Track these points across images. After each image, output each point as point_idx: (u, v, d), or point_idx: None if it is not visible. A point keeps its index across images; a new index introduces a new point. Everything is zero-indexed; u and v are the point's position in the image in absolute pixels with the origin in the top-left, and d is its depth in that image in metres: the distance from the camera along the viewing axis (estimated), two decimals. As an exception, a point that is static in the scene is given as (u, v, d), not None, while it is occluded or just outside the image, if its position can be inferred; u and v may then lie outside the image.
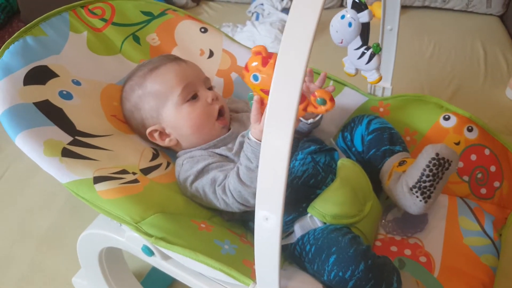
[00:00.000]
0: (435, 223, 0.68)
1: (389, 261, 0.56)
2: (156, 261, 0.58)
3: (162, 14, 0.85)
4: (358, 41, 0.56)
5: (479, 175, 0.69)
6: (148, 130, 0.69)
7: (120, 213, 0.56)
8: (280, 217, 0.38)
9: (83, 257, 0.74)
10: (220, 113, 0.70)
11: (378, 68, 0.57)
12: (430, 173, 0.58)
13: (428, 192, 0.59)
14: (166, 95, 0.68)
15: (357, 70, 0.60)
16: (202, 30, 0.85)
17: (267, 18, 1.48)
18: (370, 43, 0.59)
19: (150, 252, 0.57)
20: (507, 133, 1.08)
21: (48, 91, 0.66)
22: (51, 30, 0.74)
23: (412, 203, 0.59)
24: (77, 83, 0.72)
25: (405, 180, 0.60)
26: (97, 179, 0.58)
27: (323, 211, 0.59)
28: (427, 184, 0.58)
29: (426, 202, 0.59)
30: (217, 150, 0.67)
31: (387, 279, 0.53)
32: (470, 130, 0.69)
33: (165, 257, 0.56)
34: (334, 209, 0.59)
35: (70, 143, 0.62)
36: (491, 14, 1.54)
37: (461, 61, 1.33)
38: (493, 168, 0.69)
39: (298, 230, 0.61)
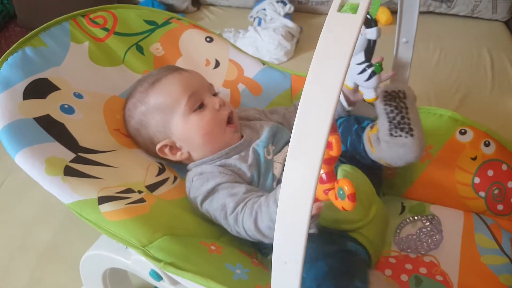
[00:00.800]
0: (450, 241, 0.66)
1: None
2: (164, 286, 0.56)
3: (166, 23, 0.83)
4: (361, 56, 0.54)
5: (496, 191, 0.67)
6: (158, 146, 0.66)
7: (127, 236, 0.54)
8: (300, 262, 0.35)
9: (86, 277, 0.71)
10: (229, 119, 0.67)
11: (376, 88, 0.55)
12: (392, 108, 0.57)
13: (406, 126, 0.56)
14: (172, 107, 0.65)
15: (355, 85, 0.58)
16: (208, 39, 0.83)
17: (269, 24, 1.46)
18: (384, 55, 0.58)
19: (158, 277, 0.54)
20: (517, 143, 1.06)
21: (49, 105, 0.64)
22: (51, 41, 0.71)
23: (402, 146, 0.56)
24: (79, 96, 0.69)
25: (381, 132, 0.58)
26: (102, 200, 0.56)
27: (323, 215, 0.56)
28: (398, 118, 0.57)
29: (412, 135, 0.56)
30: (230, 161, 0.64)
31: None
32: (487, 145, 0.67)
33: (174, 283, 0.54)
34: (338, 215, 0.57)
35: (72, 161, 0.60)
36: (496, 20, 1.53)
37: (468, 68, 1.32)
38: (510, 184, 0.67)
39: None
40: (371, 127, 0.62)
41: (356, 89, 0.63)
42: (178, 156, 0.67)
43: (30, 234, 0.98)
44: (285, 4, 1.51)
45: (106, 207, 0.55)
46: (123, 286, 0.75)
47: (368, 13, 0.53)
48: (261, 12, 1.54)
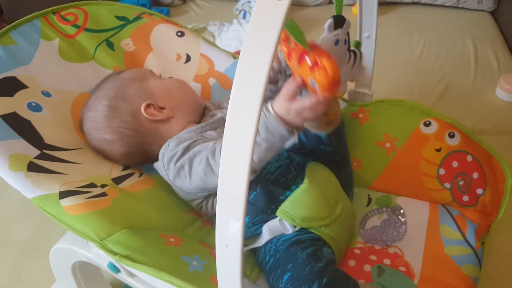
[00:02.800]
0: (415, 232, 0.66)
1: (347, 277, 0.54)
2: (123, 278, 0.56)
3: (138, 18, 0.83)
4: (347, 53, 0.54)
5: (461, 182, 0.67)
6: (143, 106, 0.66)
7: (86, 229, 0.54)
8: (240, 243, 0.37)
9: (56, 270, 0.73)
10: None
11: (345, 82, 0.56)
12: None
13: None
14: (144, 75, 0.70)
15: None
16: (179, 34, 0.83)
17: (254, 18, 1.45)
18: None
19: (116, 270, 0.55)
20: (496, 134, 1.06)
21: (16, 103, 0.65)
22: (21, 39, 0.72)
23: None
24: (47, 94, 0.70)
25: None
26: (63, 194, 0.57)
27: (292, 213, 0.57)
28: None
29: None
30: (205, 134, 0.66)
31: None
32: (451, 136, 0.67)
33: (131, 275, 0.55)
34: (304, 212, 0.57)
35: (37, 157, 0.61)
36: (482, 10, 1.52)
37: (451, 59, 1.31)
38: (475, 175, 0.67)
39: (267, 233, 0.59)
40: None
41: None
42: (165, 113, 0.67)
43: (10, 230, 0.99)
44: (269, -3, 1.50)
45: (66, 202, 0.56)
46: (95, 280, 0.76)
47: (333, 16, 0.54)
48: (247, 5, 1.54)
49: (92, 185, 0.60)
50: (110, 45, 0.80)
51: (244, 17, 1.50)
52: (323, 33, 0.56)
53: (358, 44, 0.54)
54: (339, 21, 0.52)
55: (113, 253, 0.53)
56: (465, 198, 0.68)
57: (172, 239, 0.57)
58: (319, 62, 0.45)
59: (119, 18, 0.82)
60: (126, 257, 0.52)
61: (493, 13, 1.53)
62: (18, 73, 0.68)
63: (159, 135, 0.67)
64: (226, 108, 0.72)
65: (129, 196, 0.62)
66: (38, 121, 0.65)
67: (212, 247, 0.60)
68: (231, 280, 0.40)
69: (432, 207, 0.69)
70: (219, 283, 0.41)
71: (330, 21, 0.53)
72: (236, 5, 1.58)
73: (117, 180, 0.65)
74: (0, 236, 0.98)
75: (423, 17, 1.50)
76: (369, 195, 0.73)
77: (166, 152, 0.62)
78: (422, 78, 1.25)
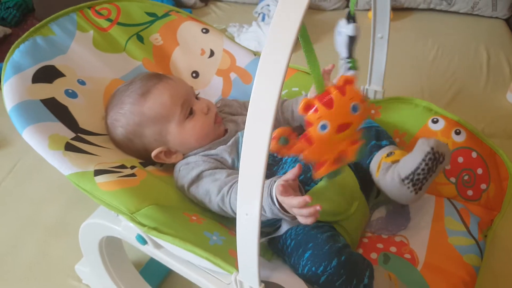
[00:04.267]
0: (421, 223, 0.70)
1: (362, 259, 0.58)
2: (149, 250, 0.61)
3: (166, 15, 0.89)
4: (344, 52, 0.58)
5: (466, 177, 0.71)
6: (154, 153, 0.70)
7: (117, 204, 0.59)
8: (258, 213, 0.41)
9: (84, 246, 0.78)
10: (216, 118, 0.73)
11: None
12: (426, 167, 0.59)
13: (420, 184, 0.59)
14: (167, 117, 0.69)
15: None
16: (204, 30, 0.88)
17: (272, 19, 1.50)
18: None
19: (143, 241, 0.60)
20: (506, 137, 1.09)
21: (55, 90, 0.70)
22: (58, 30, 0.78)
23: (403, 194, 0.60)
24: (82, 82, 0.76)
25: (397, 171, 0.61)
26: (97, 172, 0.62)
27: (311, 205, 0.62)
28: (421, 177, 0.59)
29: (416, 193, 0.60)
30: (213, 151, 0.70)
31: (358, 275, 0.55)
32: (458, 133, 0.71)
33: (157, 246, 0.60)
34: (322, 205, 0.61)
35: (73, 139, 0.66)
36: (496, 18, 1.54)
37: (464, 64, 1.34)
38: (480, 171, 0.70)
39: (285, 223, 0.64)
40: (388, 155, 0.65)
41: None
42: (173, 159, 0.71)
43: (39, 211, 1.05)
44: None
45: (100, 179, 0.61)
46: (118, 257, 0.81)
47: (349, 13, 0.59)
48: (265, 8, 1.59)
49: (123, 166, 0.66)
50: (140, 39, 0.85)
51: (263, 19, 1.55)
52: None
53: (352, 62, 0.58)
54: (348, 18, 0.56)
55: (142, 225, 0.57)
56: (470, 192, 0.71)
57: (194, 217, 0.62)
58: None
59: (149, 14, 0.87)
60: (154, 229, 0.57)
61: (507, 21, 1.55)
62: (56, 62, 0.74)
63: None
64: (238, 114, 0.78)
65: (156, 178, 0.67)
66: (74, 107, 0.71)
67: (230, 228, 0.65)
68: (250, 248, 0.44)
69: (437, 200, 0.73)
70: (238, 250, 0.46)
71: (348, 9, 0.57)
72: (255, 8, 1.63)
73: (144, 164, 0.71)
74: (29, 218, 1.04)
75: (437, 23, 1.54)
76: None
77: (178, 178, 0.68)
78: (435, 81, 1.28)
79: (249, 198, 0.41)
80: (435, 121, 0.73)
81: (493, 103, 1.20)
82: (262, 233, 0.68)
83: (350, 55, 0.59)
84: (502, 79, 1.27)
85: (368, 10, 1.51)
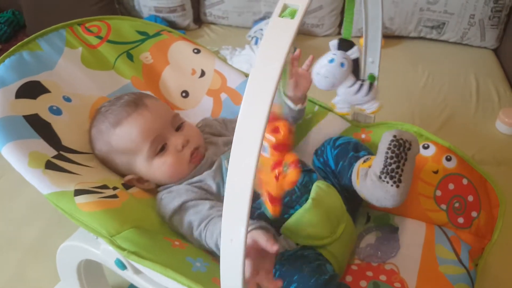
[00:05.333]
0: (411, 250, 0.68)
1: None
2: (128, 275, 0.59)
3: (157, 34, 0.88)
4: (351, 78, 0.57)
5: (457, 204, 0.70)
6: (125, 179, 0.68)
7: (97, 226, 0.57)
8: (243, 239, 0.39)
9: (62, 269, 0.74)
10: (193, 153, 0.69)
11: (377, 97, 0.59)
12: (393, 155, 0.58)
13: (397, 176, 0.58)
14: (134, 152, 0.67)
15: (351, 106, 0.61)
16: (195, 51, 0.88)
17: (265, 42, 1.51)
18: None
19: (122, 266, 0.57)
20: (495, 164, 1.09)
21: (38, 106, 0.69)
22: (46, 45, 0.77)
23: (385, 191, 0.58)
24: (68, 99, 0.74)
25: (372, 171, 0.60)
26: (78, 192, 0.60)
27: (295, 231, 0.60)
28: (394, 166, 0.58)
29: (398, 186, 0.58)
30: (196, 178, 0.68)
31: None
32: (448, 159, 0.70)
33: (137, 272, 0.57)
34: (307, 230, 0.60)
35: (54, 157, 0.64)
36: (485, 48, 1.57)
37: (454, 92, 1.35)
38: (470, 198, 0.69)
39: None
40: (364, 161, 0.65)
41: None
42: (146, 186, 0.69)
43: (18, 231, 1.01)
44: (281, 24, 1.57)
45: (80, 199, 0.59)
46: (98, 282, 0.77)
47: (340, 39, 0.58)
48: (259, 32, 1.60)
49: (105, 187, 0.64)
50: (130, 57, 0.85)
51: (256, 43, 1.56)
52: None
53: (372, 77, 0.58)
54: (344, 45, 0.56)
55: (122, 249, 0.55)
56: (460, 220, 0.70)
57: (177, 242, 0.60)
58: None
59: (140, 32, 0.87)
60: (134, 253, 0.54)
61: (495, 51, 1.58)
62: (42, 78, 0.73)
63: None
64: (219, 135, 0.77)
65: (138, 201, 0.65)
66: (57, 124, 0.69)
67: (214, 255, 0.63)
68: (234, 276, 0.42)
69: (428, 228, 0.71)
70: (222, 277, 0.43)
71: (335, 41, 0.57)
72: (248, 32, 1.65)
73: (127, 185, 0.68)
74: (6, 238, 1.00)
75: (428, 51, 1.56)
76: (368, 213, 0.75)
77: (160, 208, 0.65)
78: (425, 108, 1.29)
79: (235, 223, 0.39)
80: (425, 147, 0.72)
81: (482, 130, 1.20)
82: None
83: (359, 77, 0.59)
84: (491, 107, 1.29)
85: (360, 37, 1.53)
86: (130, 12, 1.74)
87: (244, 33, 1.67)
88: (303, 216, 0.61)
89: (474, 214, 0.69)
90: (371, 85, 0.57)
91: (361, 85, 0.57)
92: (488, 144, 1.15)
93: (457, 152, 0.71)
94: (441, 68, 1.46)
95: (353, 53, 0.55)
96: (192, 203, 0.63)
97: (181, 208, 0.63)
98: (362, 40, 1.52)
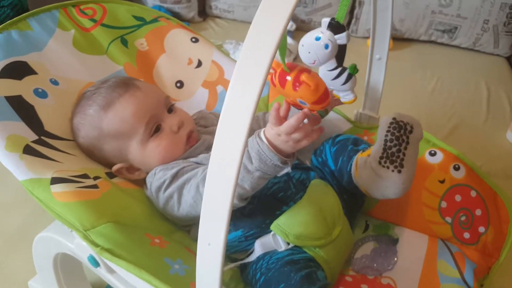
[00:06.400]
0: (411, 265, 0.63)
1: None
2: (102, 273, 0.54)
3: (154, 20, 0.84)
4: (333, 63, 0.53)
5: (463, 218, 0.65)
6: (114, 168, 0.63)
7: (71, 218, 0.53)
8: (222, 243, 0.36)
9: (38, 261, 0.70)
10: (189, 136, 0.65)
11: (353, 89, 0.54)
12: (393, 137, 0.54)
13: (398, 160, 0.53)
14: (128, 135, 0.62)
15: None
16: (193, 40, 0.84)
17: (270, 38, 1.47)
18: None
19: (96, 263, 0.53)
20: (504, 177, 1.04)
21: (23, 87, 0.65)
22: (37, 26, 0.73)
23: (385, 178, 0.53)
24: (55, 82, 0.70)
25: (371, 157, 0.55)
26: (55, 180, 0.56)
27: (286, 229, 0.55)
28: (394, 150, 0.53)
29: (399, 172, 0.52)
30: (193, 159, 0.63)
31: None
32: (456, 168, 0.65)
33: (110, 271, 0.53)
34: (299, 229, 0.55)
35: (34, 142, 0.61)
36: (498, 55, 1.52)
37: (463, 98, 1.30)
38: (478, 212, 0.64)
39: (259, 248, 0.57)
40: (364, 150, 0.61)
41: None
42: (136, 176, 0.64)
43: (1, 219, 0.97)
44: (288, 21, 1.53)
45: (57, 188, 0.55)
46: (75, 277, 0.73)
47: (335, 19, 0.54)
48: (264, 27, 1.56)
49: (85, 176, 0.59)
50: (124, 42, 0.80)
51: (261, 37, 1.52)
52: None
53: (353, 69, 0.53)
54: (334, 27, 0.51)
55: (95, 244, 0.51)
56: (466, 235, 0.65)
57: (157, 240, 0.55)
58: (300, 79, 0.44)
59: (136, 18, 0.83)
60: (107, 250, 0.50)
61: (508, 59, 1.53)
62: (29, 58, 0.69)
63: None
64: (213, 126, 0.73)
65: (120, 192, 0.61)
66: (41, 107, 0.66)
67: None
68: (211, 281, 0.38)
69: (430, 241, 0.66)
70: (197, 282, 0.39)
71: (327, 19, 0.52)
72: (254, 26, 1.61)
73: (112, 174, 0.64)
74: (-12, 225, 0.96)
75: (438, 56, 1.51)
76: (366, 221, 0.70)
77: (154, 181, 0.60)
78: (433, 114, 1.24)
79: (213, 225, 0.36)
80: (432, 154, 0.67)
81: (492, 141, 1.15)
82: (234, 260, 0.62)
83: (341, 64, 0.54)
84: (502, 117, 1.23)
85: (367, 38, 1.48)
86: (134, 0, 1.70)
87: (249, 27, 1.62)
88: (296, 213, 0.57)
89: (481, 229, 0.64)
90: (350, 76, 0.53)
91: (340, 73, 0.53)
92: (498, 156, 1.10)
93: (466, 162, 0.66)
94: (451, 74, 1.41)
95: (340, 38, 0.51)
96: (192, 166, 0.60)
97: (179, 173, 0.58)
98: (369, 41, 1.48)
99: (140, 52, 0.81)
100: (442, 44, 1.55)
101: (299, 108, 0.49)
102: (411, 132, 0.55)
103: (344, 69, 0.55)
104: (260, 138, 0.48)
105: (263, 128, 0.49)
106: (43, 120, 0.64)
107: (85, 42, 0.77)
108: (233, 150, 0.33)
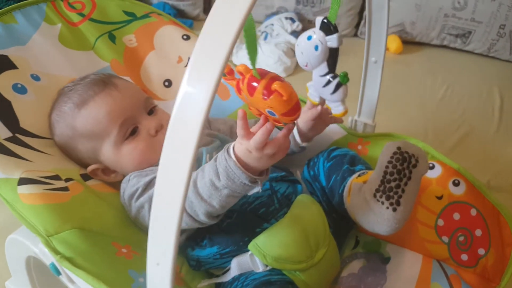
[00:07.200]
0: (402, 286, 0.58)
1: None
2: (64, 282, 0.51)
3: (145, 16, 0.81)
4: (324, 67, 0.48)
5: (461, 238, 0.60)
6: (89, 169, 0.60)
7: (35, 222, 0.50)
8: (171, 263, 0.32)
9: (11, 263, 0.67)
10: None
11: (343, 100, 0.49)
12: (394, 170, 0.48)
13: (395, 196, 0.48)
14: (101, 136, 0.59)
15: (321, 99, 0.52)
16: (185, 37, 0.80)
17: (274, 39, 1.43)
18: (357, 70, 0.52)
19: (57, 271, 0.50)
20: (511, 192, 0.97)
21: (1, 82, 0.63)
22: (22, 19, 0.71)
23: (378, 214, 0.48)
24: (36, 78, 0.68)
25: (367, 187, 0.50)
26: (23, 181, 0.53)
27: (264, 250, 0.51)
28: (392, 184, 0.48)
29: (394, 210, 0.47)
30: None
31: None
32: (456, 184, 0.60)
33: (71, 280, 0.49)
34: (277, 250, 0.51)
35: (7, 139, 0.58)
36: (514, 62, 1.44)
37: (474, 107, 1.23)
38: (478, 232, 0.59)
39: (235, 268, 0.54)
40: (359, 175, 0.56)
41: (312, 120, 0.59)
42: (112, 178, 0.61)
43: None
44: (293, 21, 1.48)
45: (24, 189, 0.52)
46: (51, 280, 0.70)
47: (326, 18, 0.49)
48: (269, 28, 1.52)
49: (56, 177, 0.57)
50: (112, 38, 0.77)
51: (266, 38, 1.48)
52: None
53: (343, 77, 0.47)
54: (326, 27, 0.46)
55: (56, 252, 0.48)
56: (464, 256, 0.60)
57: (124, 250, 0.52)
58: (272, 87, 0.40)
59: (127, 13, 0.80)
60: (67, 259, 0.47)
61: (525, 67, 1.45)
62: (11, 52, 0.67)
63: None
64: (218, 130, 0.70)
65: (93, 195, 0.58)
66: (19, 103, 0.63)
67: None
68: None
69: (425, 261, 0.61)
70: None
71: (320, 18, 0.47)
72: (259, 27, 1.57)
73: (87, 176, 0.61)
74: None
75: (450, 61, 1.44)
76: (357, 236, 0.66)
77: (127, 188, 0.56)
78: (441, 121, 1.17)
79: (161, 245, 0.32)
80: (430, 167, 0.62)
81: (503, 152, 1.08)
82: (210, 275, 0.58)
83: (333, 70, 0.49)
84: (515, 127, 1.16)
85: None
86: (140, -3, 1.68)
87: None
88: (276, 233, 0.52)
89: (481, 251, 0.59)
90: (340, 85, 0.47)
91: (330, 81, 0.47)
92: (508, 169, 1.03)
93: (467, 177, 0.60)
94: (463, 81, 1.34)
95: (331, 40, 0.45)
96: None
97: (153, 182, 0.55)
98: (389, 44, 1.42)
99: (128, 48, 0.78)
100: (454, 49, 1.48)
101: (270, 120, 0.44)
102: (415, 166, 0.49)
103: (334, 77, 0.49)
104: (228, 153, 0.44)
105: (233, 142, 0.45)
106: (19, 116, 0.62)
107: (71, 37, 0.74)
108: (180, 164, 0.29)
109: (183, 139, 0.29)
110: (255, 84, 0.41)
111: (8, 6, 1.76)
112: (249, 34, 0.37)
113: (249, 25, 0.36)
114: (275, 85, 0.39)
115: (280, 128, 0.46)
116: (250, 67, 0.41)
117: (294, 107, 0.41)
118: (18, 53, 0.68)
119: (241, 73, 0.42)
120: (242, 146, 0.44)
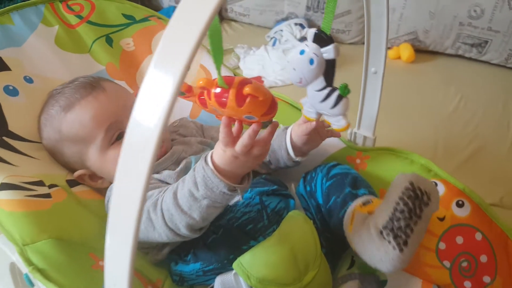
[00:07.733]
0: (398, 313, 0.54)
1: None
2: (38, 295, 0.49)
3: (144, 20, 0.79)
4: (321, 82, 0.45)
5: (465, 264, 0.55)
6: (75, 175, 0.59)
7: (12, 230, 0.49)
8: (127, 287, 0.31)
9: (-4, 268, 0.66)
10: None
11: (345, 114, 0.46)
12: (405, 208, 0.45)
13: (403, 236, 0.45)
14: (87, 141, 0.58)
15: (319, 115, 0.49)
16: (183, 42, 0.78)
17: (283, 45, 1.40)
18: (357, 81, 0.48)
19: (30, 283, 0.48)
20: (526, 214, 0.91)
21: None
22: (19, 20, 0.71)
23: (383, 253, 0.45)
24: (29, 80, 0.67)
25: (373, 221, 0.47)
26: (4, 186, 0.52)
27: (249, 270, 0.48)
28: (402, 223, 0.45)
29: (401, 250, 0.44)
30: (156, 176, 0.57)
31: None
32: (460, 205, 0.56)
33: (43, 294, 0.47)
34: (263, 271, 0.48)
35: None
36: (533, 74, 1.38)
37: (489, 120, 1.18)
38: (484, 258, 0.54)
39: (219, 287, 0.50)
40: (364, 203, 0.53)
41: (307, 134, 0.56)
42: (99, 184, 0.60)
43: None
44: (303, 27, 1.45)
45: (4, 195, 0.51)
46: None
47: (318, 30, 0.46)
48: (279, 33, 1.49)
49: (40, 183, 0.55)
50: (109, 41, 0.76)
51: (274, 44, 1.45)
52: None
53: (343, 89, 0.44)
54: (320, 39, 0.43)
55: (29, 263, 0.46)
56: (467, 284, 0.55)
57: (101, 263, 0.50)
58: (244, 92, 0.37)
59: (126, 16, 0.79)
60: (40, 271, 0.45)
61: (545, 79, 1.38)
62: (5, 54, 0.67)
63: None
64: (191, 136, 0.67)
65: (76, 203, 0.56)
66: (9, 105, 0.63)
67: (150, 281, 0.52)
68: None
69: (424, 286, 0.57)
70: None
71: (313, 30, 0.44)
72: (268, 32, 1.55)
73: (73, 183, 0.60)
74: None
75: (464, 71, 1.39)
76: (352, 257, 0.61)
77: (111, 197, 0.54)
78: (452, 135, 1.12)
79: (117, 265, 0.31)
80: (432, 186, 0.58)
81: (516, 170, 1.02)
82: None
83: (331, 83, 0.46)
84: (532, 143, 1.10)
85: (389, 48, 1.38)
86: (151, 0, 1.68)
87: (264, 33, 1.56)
88: (263, 252, 0.49)
89: (486, 279, 0.54)
90: (340, 97, 0.44)
91: (329, 94, 0.44)
92: (521, 187, 0.97)
93: (472, 197, 0.56)
94: (477, 92, 1.28)
95: (327, 51, 0.42)
96: (154, 185, 0.54)
97: None
98: (401, 52, 1.36)
99: (125, 52, 0.77)
100: (470, 59, 1.42)
101: (247, 124, 0.42)
102: (427, 205, 0.46)
103: (333, 90, 0.46)
104: (206, 162, 0.42)
105: (211, 151, 0.43)
106: (8, 119, 0.61)
107: (68, 40, 0.74)
108: (135, 174, 0.27)
109: (139, 149, 0.27)
110: (225, 95, 0.38)
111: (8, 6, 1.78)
112: (214, 40, 0.34)
113: (215, 29, 0.33)
114: (247, 89, 0.37)
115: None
116: (220, 74, 0.38)
117: (272, 104, 0.40)
118: (12, 55, 0.67)
119: (202, 88, 0.39)
120: (227, 153, 0.42)
